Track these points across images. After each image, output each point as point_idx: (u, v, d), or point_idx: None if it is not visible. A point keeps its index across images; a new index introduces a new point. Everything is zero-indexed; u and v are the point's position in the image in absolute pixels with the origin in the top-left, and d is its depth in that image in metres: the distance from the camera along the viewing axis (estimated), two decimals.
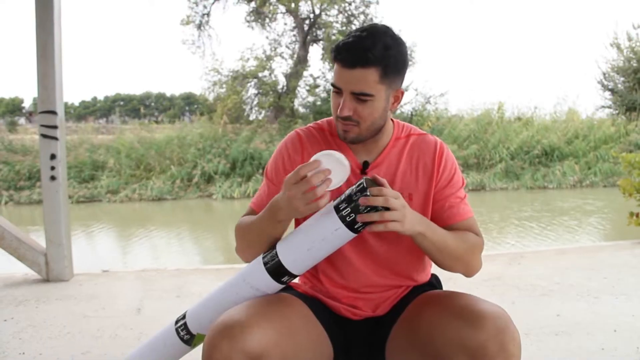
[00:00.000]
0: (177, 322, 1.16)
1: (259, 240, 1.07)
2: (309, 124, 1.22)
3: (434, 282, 1.24)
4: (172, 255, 5.42)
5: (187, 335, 1.13)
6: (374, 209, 0.94)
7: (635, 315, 2.25)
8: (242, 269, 1.10)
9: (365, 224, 0.95)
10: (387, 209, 0.94)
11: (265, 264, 1.03)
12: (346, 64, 1.02)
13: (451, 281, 2.81)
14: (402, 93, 1.10)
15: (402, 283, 1.16)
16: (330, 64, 13.08)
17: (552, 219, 6.72)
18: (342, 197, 0.97)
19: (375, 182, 0.99)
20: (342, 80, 1.04)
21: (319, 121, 1.22)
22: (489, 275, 2.87)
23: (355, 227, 0.95)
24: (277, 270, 1.02)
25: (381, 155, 1.13)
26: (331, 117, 1.18)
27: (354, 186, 0.97)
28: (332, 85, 1.07)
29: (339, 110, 1.05)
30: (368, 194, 0.93)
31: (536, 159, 10.95)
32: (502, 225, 6.41)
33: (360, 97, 1.03)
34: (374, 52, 1.00)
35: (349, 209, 0.95)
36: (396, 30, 1.07)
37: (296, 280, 1.19)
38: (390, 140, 1.15)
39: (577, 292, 2.59)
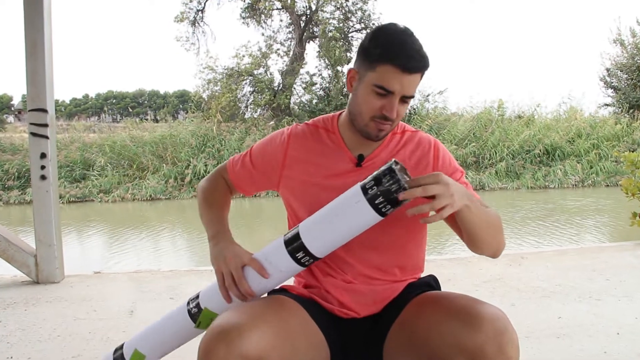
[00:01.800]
0: (189, 302, 1.14)
1: None
2: (306, 121, 1.22)
3: (432, 282, 1.21)
4: (166, 256, 5.35)
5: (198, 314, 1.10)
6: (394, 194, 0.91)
7: (639, 317, 2.23)
8: (264, 248, 1.07)
9: (393, 207, 0.93)
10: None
11: (285, 242, 1.01)
12: (408, 70, 1.00)
13: (450, 282, 2.82)
14: None
15: (386, 277, 1.13)
16: (329, 61, 12.97)
17: (553, 219, 6.69)
18: (370, 178, 0.94)
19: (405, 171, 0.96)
20: (399, 84, 1.01)
21: (313, 120, 1.22)
22: (489, 276, 2.84)
23: (380, 206, 0.92)
24: (295, 247, 1.00)
25: (377, 149, 1.14)
26: (326, 116, 1.21)
27: (384, 167, 0.93)
28: (380, 87, 1.02)
29: (387, 112, 1.03)
30: (406, 187, 0.91)
31: (537, 158, 10.87)
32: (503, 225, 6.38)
33: (407, 99, 1.04)
34: (428, 57, 1.02)
35: (381, 197, 0.91)
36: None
37: (291, 281, 1.18)
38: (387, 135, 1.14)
39: (578, 293, 2.56)
